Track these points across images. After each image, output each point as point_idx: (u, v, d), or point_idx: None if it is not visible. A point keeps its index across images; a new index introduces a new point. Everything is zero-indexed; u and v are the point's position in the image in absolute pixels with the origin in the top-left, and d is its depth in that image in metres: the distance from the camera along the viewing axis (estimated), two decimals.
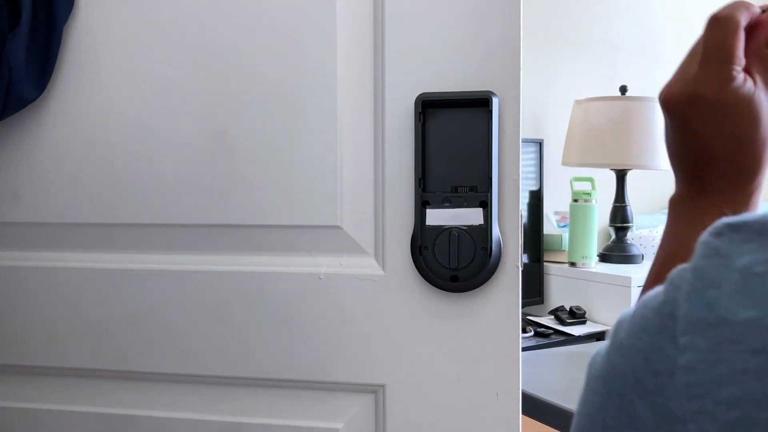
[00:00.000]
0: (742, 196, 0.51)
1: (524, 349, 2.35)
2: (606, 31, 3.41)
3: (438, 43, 0.69)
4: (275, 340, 0.75)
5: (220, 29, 0.74)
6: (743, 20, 0.49)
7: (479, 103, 0.67)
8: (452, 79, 0.69)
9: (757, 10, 0.51)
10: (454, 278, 0.68)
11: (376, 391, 0.74)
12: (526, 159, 2.75)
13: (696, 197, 0.52)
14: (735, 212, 0.50)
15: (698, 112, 0.50)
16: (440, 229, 0.68)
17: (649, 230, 3.25)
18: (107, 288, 0.79)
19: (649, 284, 0.51)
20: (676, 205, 0.53)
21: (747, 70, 0.49)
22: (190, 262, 0.78)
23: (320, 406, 0.76)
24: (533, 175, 2.76)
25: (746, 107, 0.48)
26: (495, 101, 0.67)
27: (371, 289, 0.73)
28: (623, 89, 2.82)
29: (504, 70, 0.68)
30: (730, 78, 0.48)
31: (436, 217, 0.68)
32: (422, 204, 0.69)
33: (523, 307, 2.78)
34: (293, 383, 0.76)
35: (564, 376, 1.50)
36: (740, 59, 0.49)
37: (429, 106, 0.69)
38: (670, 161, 0.54)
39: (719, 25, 0.49)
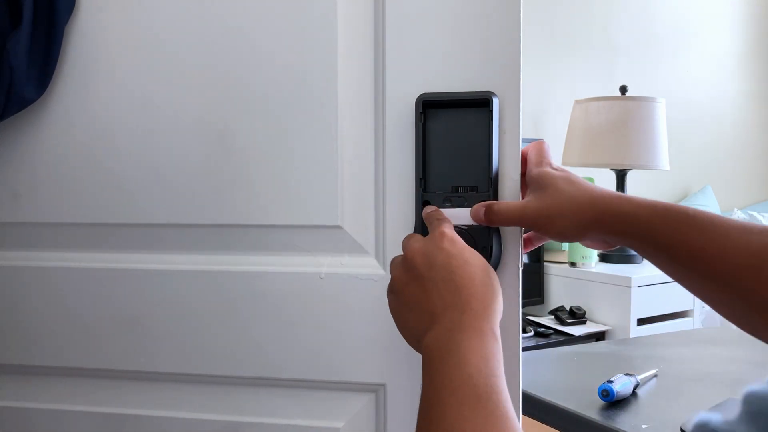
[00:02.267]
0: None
1: (524, 349, 2.35)
2: (606, 31, 3.41)
3: (439, 43, 0.69)
4: (276, 340, 0.75)
5: (221, 29, 0.74)
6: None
7: (480, 104, 0.67)
8: (453, 79, 0.69)
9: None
10: None
11: (376, 390, 0.74)
12: None
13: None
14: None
15: None
16: None
17: None
18: (107, 288, 0.79)
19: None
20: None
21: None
22: (191, 262, 0.78)
23: (321, 406, 0.76)
24: None
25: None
26: (495, 101, 0.67)
27: (372, 289, 0.73)
28: (623, 89, 2.82)
29: (504, 70, 0.68)
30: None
31: None
32: (423, 204, 0.69)
33: (523, 307, 2.78)
34: (294, 382, 0.76)
35: (564, 376, 1.50)
36: None
37: (429, 107, 0.69)
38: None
39: None
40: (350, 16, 0.72)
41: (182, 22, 0.75)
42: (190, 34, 0.75)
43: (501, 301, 0.60)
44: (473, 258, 0.60)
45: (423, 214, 0.67)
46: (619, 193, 0.64)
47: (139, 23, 0.76)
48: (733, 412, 0.63)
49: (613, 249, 0.70)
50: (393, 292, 0.62)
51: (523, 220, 0.65)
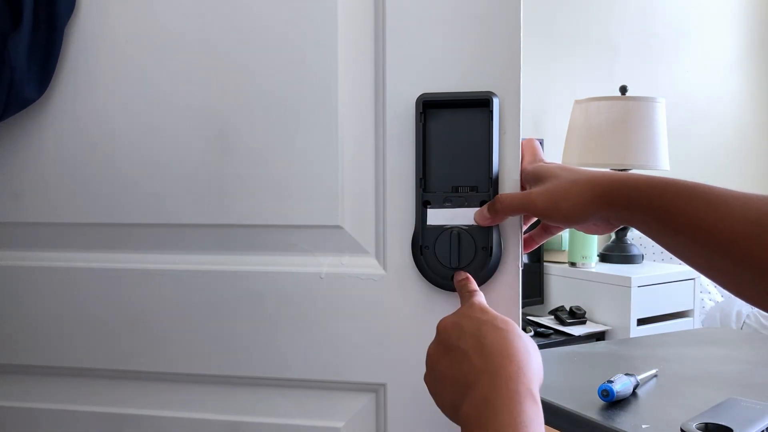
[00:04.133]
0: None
1: None
2: (606, 31, 3.41)
3: (439, 43, 0.69)
4: (276, 340, 0.75)
5: (221, 29, 0.74)
6: None
7: (480, 104, 0.67)
8: (453, 79, 0.69)
9: None
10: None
11: (376, 390, 0.74)
12: None
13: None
14: None
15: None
16: (441, 229, 0.68)
17: None
18: (108, 287, 0.79)
19: None
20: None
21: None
22: (191, 262, 0.78)
23: (321, 405, 0.76)
24: None
25: None
26: (496, 101, 0.67)
27: (372, 289, 0.73)
28: (623, 89, 2.82)
29: (504, 70, 0.68)
30: None
31: (437, 216, 0.68)
32: (423, 204, 0.69)
33: (523, 307, 2.78)
34: (294, 382, 0.76)
35: (564, 376, 1.50)
36: None
37: (430, 107, 0.68)
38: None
39: None
40: (350, 16, 0.72)
41: (182, 22, 0.75)
42: (190, 33, 0.75)
43: (538, 362, 0.57)
44: (505, 323, 0.58)
45: (454, 283, 0.67)
46: (616, 171, 0.64)
47: (139, 23, 0.76)
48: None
49: (615, 230, 0.69)
50: (428, 368, 0.61)
51: (528, 207, 0.65)
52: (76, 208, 0.79)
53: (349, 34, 0.72)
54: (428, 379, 0.61)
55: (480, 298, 0.63)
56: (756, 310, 2.77)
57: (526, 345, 0.57)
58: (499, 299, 0.69)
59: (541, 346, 2.47)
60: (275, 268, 0.75)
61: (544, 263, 2.81)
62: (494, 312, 0.60)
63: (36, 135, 0.78)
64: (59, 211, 0.79)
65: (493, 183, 0.67)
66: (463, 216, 0.67)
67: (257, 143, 0.74)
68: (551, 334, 2.54)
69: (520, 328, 0.60)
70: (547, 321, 2.65)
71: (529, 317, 2.69)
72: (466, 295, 0.64)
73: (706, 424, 1.08)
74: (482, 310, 0.60)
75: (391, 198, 0.72)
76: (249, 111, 0.74)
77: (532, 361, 0.56)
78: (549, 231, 0.74)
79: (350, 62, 0.72)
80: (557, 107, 3.13)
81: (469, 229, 0.67)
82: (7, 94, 0.71)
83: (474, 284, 0.66)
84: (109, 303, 0.79)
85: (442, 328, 0.61)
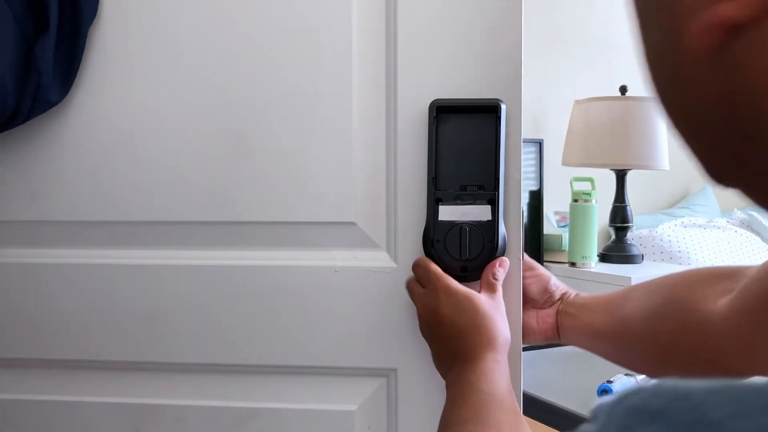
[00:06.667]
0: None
1: (525, 349, 2.35)
2: (606, 31, 3.40)
3: (447, 54, 0.74)
4: (293, 330, 0.79)
5: (240, 34, 0.77)
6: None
7: (488, 110, 0.73)
8: (459, 86, 0.74)
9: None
10: (464, 269, 0.73)
11: (388, 374, 0.78)
12: (527, 159, 2.75)
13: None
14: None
15: None
16: (451, 224, 0.73)
17: (649, 230, 3.24)
18: (127, 283, 0.81)
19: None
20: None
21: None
22: (212, 257, 0.80)
23: (335, 390, 0.80)
24: (533, 175, 2.76)
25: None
26: (503, 107, 0.72)
27: (384, 281, 0.77)
28: (623, 89, 2.82)
29: (508, 79, 0.73)
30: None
31: (448, 213, 0.73)
32: (435, 201, 0.73)
33: None
34: (310, 369, 0.80)
35: (564, 376, 1.50)
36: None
37: (441, 111, 0.73)
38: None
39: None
40: (364, 28, 0.76)
41: (201, 29, 0.77)
42: (208, 40, 0.77)
43: (495, 330, 0.69)
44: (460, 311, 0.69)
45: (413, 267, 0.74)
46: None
47: (159, 29, 0.78)
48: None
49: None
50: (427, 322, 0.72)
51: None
52: (94, 207, 0.80)
53: (362, 43, 0.76)
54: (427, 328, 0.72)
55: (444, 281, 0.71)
56: None
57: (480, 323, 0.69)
58: (503, 289, 0.73)
59: (541, 347, 2.47)
60: (292, 262, 0.79)
61: (544, 263, 2.82)
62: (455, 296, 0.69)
63: (56, 136, 0.79)
64: (76, 210, 0.80)
65: (500, 182, 0.73)
66: (472, 213, 0.73)
67: (274, 146, 0.78)
68: None
69: (476, 303, 0.69)
70: None
71: None
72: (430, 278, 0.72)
73: None
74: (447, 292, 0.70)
75: (402, 196, 0.76)
76: (267, 114, 0.77)
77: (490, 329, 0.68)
78: None
79: (363, 69, 0.76)
80: (557, 107, 3.13)
81: (478, 224, 0.72)
82: (33, 97, 0.73)
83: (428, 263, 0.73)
84: (131, 298, 0.81)
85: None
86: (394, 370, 0.78)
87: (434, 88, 0.74)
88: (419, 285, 0.72)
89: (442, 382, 0.69)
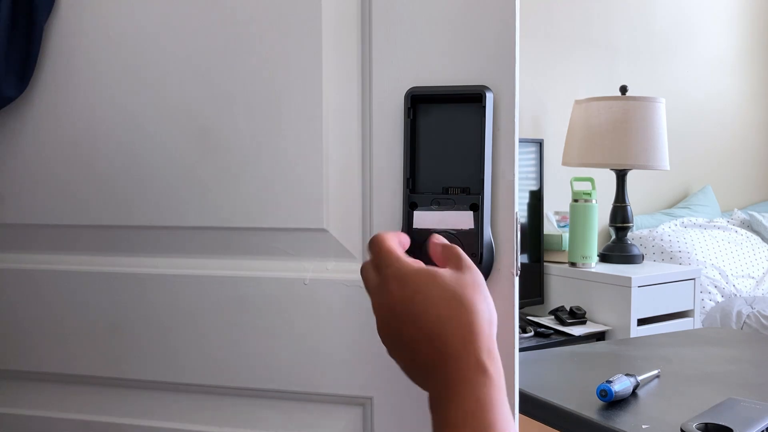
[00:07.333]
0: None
1: (524, 349, 2.34)
2: (606, 31, 3.40)
3: (429, 34, 0.65)
4: (258, 349, 0.72)
5: (201, 23, 0.72)
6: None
7: (472, 99, 0.63)
8: (444, 72, 0.65)
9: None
10: None
11: (363, 403, 0.71)
12: (527, 159, 2.74)
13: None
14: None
15: None
16: (428, 233, 0.63)
17: (649, 230, 3.26)
18: (87, 291, 0.77)
19: None
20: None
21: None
22: (171, 266, 0.75)
23: (306, 418, 0.72)
24: (533, 175, 2.75)
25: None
26: (489, 96, 0.62)
27: (359, 296, 0.68)
28: (623, 89, 2.82)
29: (499, 63, 0.63)
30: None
31: (423, 220, 0.64)
32: (410, 206, 0.64)
33: (523, 308, 2.77)
34: (278, 394, 0.73)
35: (564, 376, 1.49)
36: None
37: (419, 102, 0.64)
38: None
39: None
40: (335, 8, 0.68)
41: (163, 18, 0.73)
42: (170, 30, 0.73)
43: (480, 321, 0.53)
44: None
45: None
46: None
47: (119, 20, 0.74)
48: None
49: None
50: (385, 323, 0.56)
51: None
52: (57, 210, 0.77)
53: (334, 26, 0.68)
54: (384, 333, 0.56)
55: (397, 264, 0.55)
56: (756, 310, 2.76)
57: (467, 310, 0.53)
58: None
59: (541, 346, 2.46)
60: (257, 272, 0.72)
61: (544, 263, 2.80)
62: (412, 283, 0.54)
63: (17, 134, 0.77)
64: (39, 213, 0.78)
65: (485, 184, 0.63)
66: (451, 220, 0.63)
67: (239, 142, 0.71)
68: (551, 334, 2.53)
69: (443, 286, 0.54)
70: (547, 321, 2.65)
71: (529, 317, 2.68)
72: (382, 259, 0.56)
73: (706, 424, 1.07)
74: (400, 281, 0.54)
75: (378, 200, 0.68)
76: (231, 109, 0.71)
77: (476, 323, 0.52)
78: None
79: (335, 56, 0.69)
80: (557, 107, 3.12)
81: (458, 233, 0.63)
82: None
83: (382, 241, 0.57)
84: (89, 307, 0.77)
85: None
86: (370, 398, 0.70)
87: (416, 75, 0.65)
88: (374, 272, 0.57)
89: (425, 412, 0.57)
